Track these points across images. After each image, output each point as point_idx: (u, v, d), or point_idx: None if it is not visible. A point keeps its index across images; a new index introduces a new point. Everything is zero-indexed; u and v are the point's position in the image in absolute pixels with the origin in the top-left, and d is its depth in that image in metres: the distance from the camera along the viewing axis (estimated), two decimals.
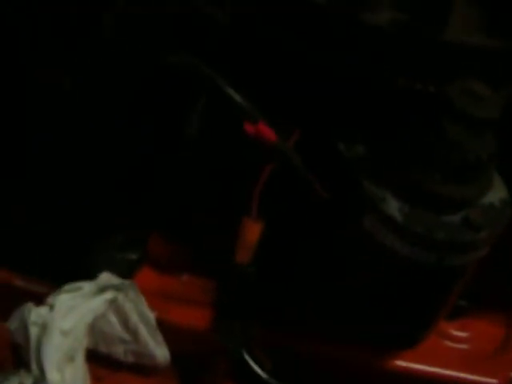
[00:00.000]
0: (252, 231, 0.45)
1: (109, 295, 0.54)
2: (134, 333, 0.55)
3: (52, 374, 0.49)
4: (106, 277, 0.55)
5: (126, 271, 0.56)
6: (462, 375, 0.57)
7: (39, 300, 0.52)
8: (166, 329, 0.54)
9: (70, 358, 0.51)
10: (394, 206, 0.43)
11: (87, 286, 0.54)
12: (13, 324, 0.53)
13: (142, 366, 0.55)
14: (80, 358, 0.52)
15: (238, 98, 0.44)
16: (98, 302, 0.53)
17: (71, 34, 0.44)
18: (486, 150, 0.42)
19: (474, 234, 0.43)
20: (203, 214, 0.55)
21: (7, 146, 0.53)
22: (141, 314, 0.55)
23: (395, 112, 0.44)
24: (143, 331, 0.55)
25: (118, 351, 0.56)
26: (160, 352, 0.55)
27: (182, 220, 0.58)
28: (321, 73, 0.44)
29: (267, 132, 0.41)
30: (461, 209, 0.43)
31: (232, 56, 0.48)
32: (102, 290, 0.54)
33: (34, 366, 0.50)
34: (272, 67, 0.46)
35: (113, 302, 0.54)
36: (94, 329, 0.55)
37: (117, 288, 0.54)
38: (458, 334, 0.60)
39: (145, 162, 0.54)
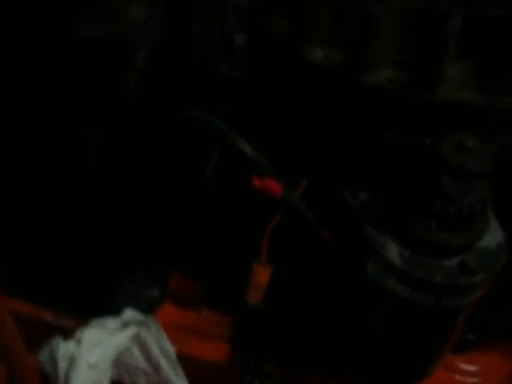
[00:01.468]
0: (261, 275, 0.48)
1: (132, 330, 0.58)
2: (155, 365, 0.59)
3: None
4: (129, 313, 0.59)
5: (148, 307, 0.60)
6: None
7: (67, 333, 0.56)
8: (186, 362, 0.58)
9: None
10: (394, 252, 0.46)
11: (112, 322, 0.58)
12: (43, 356, 0.57)
13: None
14: None
15: (248, 151, 0.48)
16: (122, 337, 0.57)
17: (97, 88, 0.48)
18: (478, 200, 0.45)
19: (470, 277, 0.45)
20: (220, 255, 0.59)
21: (38, 186, 0.58)
22: (162, 347, 0.59)
23: (396, 164, 0.47)
24: (164, 364, 0.59)
25: (141, 382, 0.60)
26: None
27: (201, 260, 0.62)
28: (327, 128, 0.48)
29: (273, 186, 0.45)
30: (457, 254, 0.46)
31: (245, 109, 0.52)
32: (126, 325, 0.58)
33: None
34: (281, 122, 0.50)
35: (136, 337, 0.58)
36: (119, 361, 0.58)
37: (139, 323, 0.58)
38: (466, 368, 0.62)
39: (167, 206, 0.58)
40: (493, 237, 0.48)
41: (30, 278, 0.58)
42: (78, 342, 0.56)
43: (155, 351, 0.58)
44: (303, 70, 0.47)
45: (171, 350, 0.58)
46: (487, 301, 0.62)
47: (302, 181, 0.48)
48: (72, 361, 0.55)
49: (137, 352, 0.58)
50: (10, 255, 0.56)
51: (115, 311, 0.57)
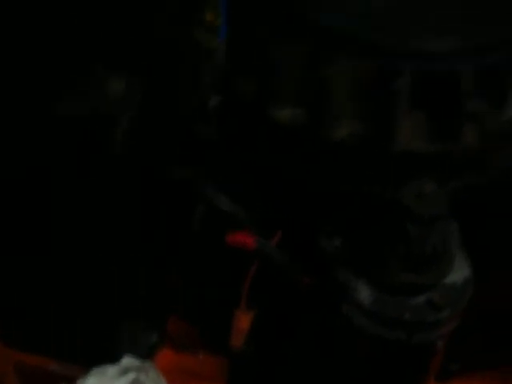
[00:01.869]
0: (242, 321, 0.52)
1: (131, 376, 0.61)
2: None
3: None
4: (128, 359, 0.62)
5: (147, 352, 0.64)
6: None
7: (71, 382, 0.60)
8: None
9: None
10: (365, 293, 0.49)
11: (112, 369, 0.61)
12: None
13: None
14: None
15: (225, 206, 0.52)
16: (122, 383, 0.60)
17: (83, 158, 0.52)
18: (441, 241, 0.48)
19: (437, 313, 0.49)
20: (214, 301, 0.63)
21: (37, 246, 0.62)
22: None
23: (366, 211, 0.51)
24: None
25: None
26: None
27: (197, 306, 0.65)
28: (299, 182, 0.52)
29: (246, 240, 0.49)
30: (424, 292, 0.49)
31: (222, 165, 0.56)
32: (125, 371, 0.61)
33: None
34: (256, 176, 0.54)
35: (135, 382, 0.61)
36: None
37: (138, 369, 0.61)
38: None
39: (162, 256, 0.62)
40: (459, 273, 0.51)
41: (33, 329, 0.61)
42: None
43: None
44: (272, 130, 0.51)
45: None
46: (471, 330, 0.65)
47: (277, 231, 0.52)
48: None
49: None
50: (12, 308, 0.60)
51: (115, 358, 0.60)
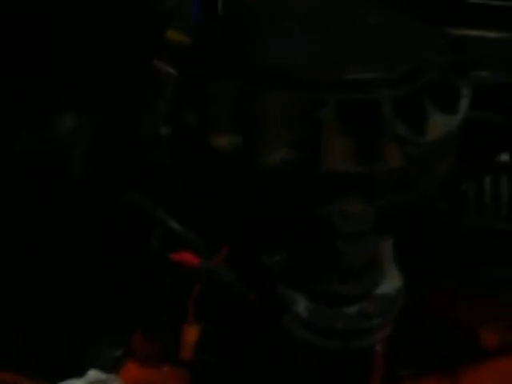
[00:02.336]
0: (189, 334, 0.56)
1: None
2: None
3: None
4: (94, 372, 0.66)
5: (111, 367, 0.68)
6: None
7: None
8: None
9: None
10: (302, 305, 0.53)
11: (78, 382, 0.65)
12: None
13: None
14: None
15: (174, 227, 0.57)
16: None
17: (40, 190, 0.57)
18: (369, 254, 0.53)
19: (369, 321, 0.53)
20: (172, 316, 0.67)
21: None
22: None
23: (302, 229, 0.55)
24: None
25: None
26: None
27: (160, 321, 0.69)
28: (241, 205, 0.56)
29: (189, 258, 0.53)
30: (356, 302, 0.53)
31: (174, 189, 0.61)
32: None
33: None
34: (203, 199, 0.58)
35: None
36: None
37: (104, 382, 0.66)
38: None
39: (120, 278, 0.66)
40: (390, 284, 0.56)
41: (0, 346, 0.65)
42: None
43: None
44: (213, 156, 0.55)
45: None
46: (416, 336, 0.70)
47: (223, 247, 0.56)
48: None
49: None
50: None
51: (81, 372, 0.64)
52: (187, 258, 0.53)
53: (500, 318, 0.70)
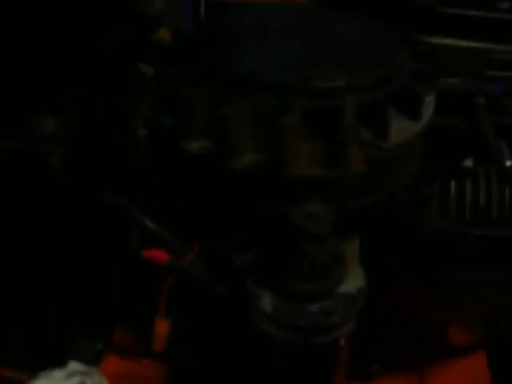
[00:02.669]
0: (161, 327, 0.59)
1: (77, 379, 0.68)
2: None
3: None
4: (74, 364, 0.69)
5: (92, 359, 0.70)
6: None
7: None
8: None
9: None
10: (267, 301, 0.56)
11: (58, 373, 0.68)
12: None
13: None
14: None
15: (149, 225, 0.60)
16: None
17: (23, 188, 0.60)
18: (331, 254, 0.55)
19: (330, 319, 0.55)
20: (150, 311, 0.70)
21: None
22: None
23: (270, 228, 0.58)
24: None
25: None
26: None
27: (140, 315, 0.72)
28: (214, 204, 0.59)
29: (159, 256, 0.56)
30: (318, 300, 0.56)
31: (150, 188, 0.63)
32: (71, 375, 0.68)
33: None
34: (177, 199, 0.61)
35: None
36: None
37: (84, 373, 0.68)
38: None
39: (102, 274, 0.69)
40: (353, 283, 0.58)
41: None
42: None
43: None
44: (186, 159, 0.58)
45: None
46: (387, 333, 0.72)
47: (195, 245, 0.59)
48: None
49: None
50: None
51: (62, 364, 0.67)
52: (157, 255, 0.56)
53: (468, 316, 0.72)
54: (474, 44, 0.70)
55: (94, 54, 0.66)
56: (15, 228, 0.63)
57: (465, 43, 0.71)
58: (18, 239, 0.63)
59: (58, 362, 0.67)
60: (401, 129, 0.59)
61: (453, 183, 0.65)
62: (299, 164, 0.55)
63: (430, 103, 0.62)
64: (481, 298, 0.68)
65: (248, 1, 0.77)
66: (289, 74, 0.57)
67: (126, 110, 0.64)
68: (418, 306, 0.71)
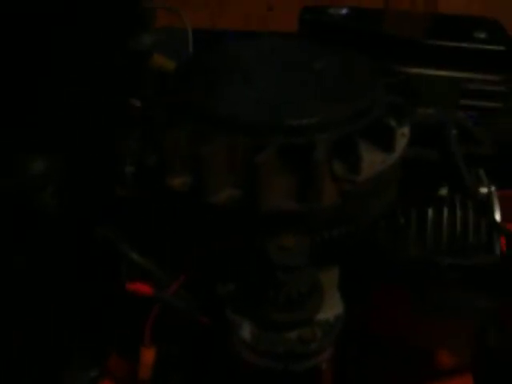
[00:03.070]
0: (146, 356, 0.62)
1: None
2: None
3: None
4: None
5: None
6: None
7: None
8: None
9: None
10: (247, 330, 0.58)
11: None
12: None
13: None
14: None
15: (135, 259, 0.63)
16: None
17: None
18: (308, 284, 0.58)
19: (307, 346, 0.57)
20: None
21: None
22: None
23: (249, 261, 0.60)
24: None
25: None
26: None
27: (135, 342, 0.75)
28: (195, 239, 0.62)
29: (142, 288, 0.59)
30: (296, 328, 0.58)
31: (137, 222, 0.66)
32: None
33: None
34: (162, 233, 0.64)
35: None
36: None
37: None
38: None
39: (95, 302, 0.72)
40: (330, 311, 0.60)
41: None
42: None
43: None
44: (169, 195, 0.61)
45: None
46: (376, 357, 0.74)
47: (181, 276, 0.62)
48: None
49: None
50: None
51: None
52: (141, 288, 0.59)
53: (454, 339, 0.74)
54: (449, 73, 0.73)
55: (83, 93, 0.70)
56: (9, 260, 0.66)
57: (441, 73, 0.73)
58: (13, 271, 0.66)
59: None
60: (374, 161, 0.61)
61: (430, 212, 0.67)
62: (273, 199, 0.58)
63: (403, 135, 0.65)
64: (465, 321, 0.70)
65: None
66: (263, 113, 0.60)
67: (115, 147, 0.67)
68: (404, 329, 0.73)
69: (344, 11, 0.82)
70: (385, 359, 0.74)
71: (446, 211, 0.67)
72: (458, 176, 0.63)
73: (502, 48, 0.75)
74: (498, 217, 0.66)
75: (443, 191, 0.66)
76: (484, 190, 0.68)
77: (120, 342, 0.76)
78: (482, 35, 0.75)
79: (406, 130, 0.65)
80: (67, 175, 0.63)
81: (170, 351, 0.64)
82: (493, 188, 0.67)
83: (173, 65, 0.87)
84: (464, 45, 0.74)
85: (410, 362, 0.75)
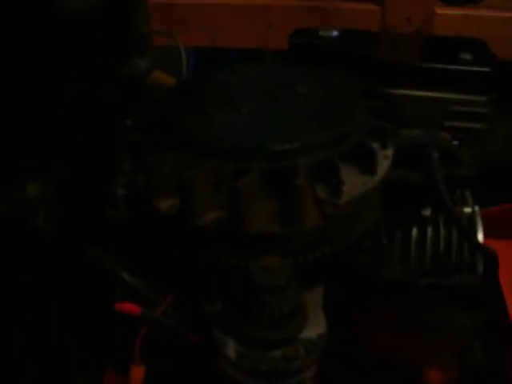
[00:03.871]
0: (135, 373, 0.64)
1: None
2: None
3: None
4: None
5: None
6: None
7: None
8: None
9: None
10: (232, 348, 0.60)
11: None
12: None
13: None
14: None
15: (126, 279, 0.65)
16: None
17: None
18: (291, 304, 0.59)
19: (290, 364, 0.59)
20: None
21: None
22: None
23: (233, 280, 0.62)
24: None
25: None
26: None
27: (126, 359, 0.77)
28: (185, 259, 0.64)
29: (131, 308, 0.61)
30: (279, 346, 0.59)
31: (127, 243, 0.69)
32: None
33: None
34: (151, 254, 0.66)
35: None
36: None
37: None
38: None
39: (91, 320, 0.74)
40: (314, 329, 0.62)
41: None
42: None
43: None
44: (157, 217, 0.63)
45: None
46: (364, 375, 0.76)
47: (169, 295, 0.64)
48: None
49: None
50: None
51: None
52: (129, 308, 0.61)
53: (439, 357, 0.75)
54: (435, 94, 0.74)
55: (78, 118, 0.72)
56: (7, 283, 0.68)
57: (426, 94, 0.75)
58: (10, 292, 0.69)
59: None
60: (355, 184, 0.63)
61: (413, 232, 0.68)
62: (256, 221, 0.60)
63: (386, 157, 0.66)
64: (449, 339, 0.71)
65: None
66: (247, 137, 0.62)
67: (108, 171, 0.69)
68: (393, 346, 0.74)
69: (334, 33, 0.83)
70: (368, 378, 0.75)
71: (429, 231, 0.68)
72: (440, 198, 0.64)
73: (487, 69, 0.76)
74: (480, 237, 0.67)
75: (427, 211, 0.67)
76: (468, 209, 0.69)
77: (115, 357, 0.78)
78: (468, 56, 0.76)
79: (389, 151, 0.66)
80: (60, 199, 0.66)
81: (159, 368, 0.66)
82: (476, 208, 0.69)
83: (173, 81, 0.90)
84: (450, 66, 0.75)
85: (394, 381, 0.76)
